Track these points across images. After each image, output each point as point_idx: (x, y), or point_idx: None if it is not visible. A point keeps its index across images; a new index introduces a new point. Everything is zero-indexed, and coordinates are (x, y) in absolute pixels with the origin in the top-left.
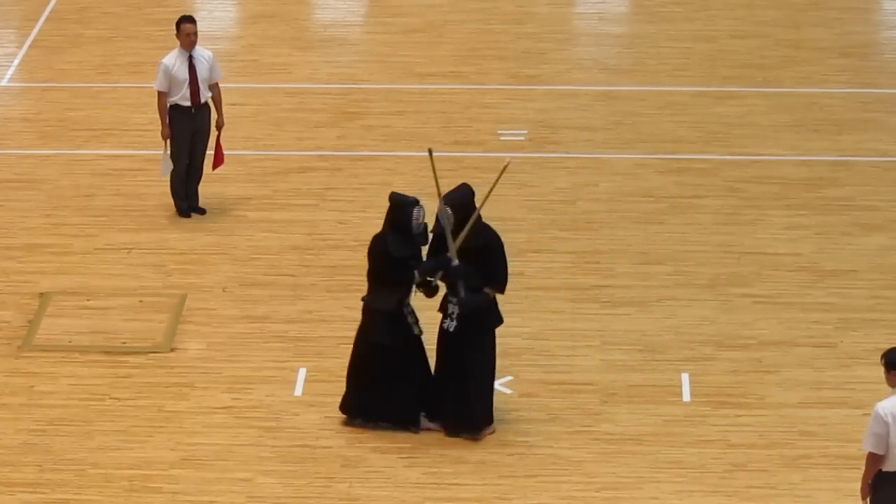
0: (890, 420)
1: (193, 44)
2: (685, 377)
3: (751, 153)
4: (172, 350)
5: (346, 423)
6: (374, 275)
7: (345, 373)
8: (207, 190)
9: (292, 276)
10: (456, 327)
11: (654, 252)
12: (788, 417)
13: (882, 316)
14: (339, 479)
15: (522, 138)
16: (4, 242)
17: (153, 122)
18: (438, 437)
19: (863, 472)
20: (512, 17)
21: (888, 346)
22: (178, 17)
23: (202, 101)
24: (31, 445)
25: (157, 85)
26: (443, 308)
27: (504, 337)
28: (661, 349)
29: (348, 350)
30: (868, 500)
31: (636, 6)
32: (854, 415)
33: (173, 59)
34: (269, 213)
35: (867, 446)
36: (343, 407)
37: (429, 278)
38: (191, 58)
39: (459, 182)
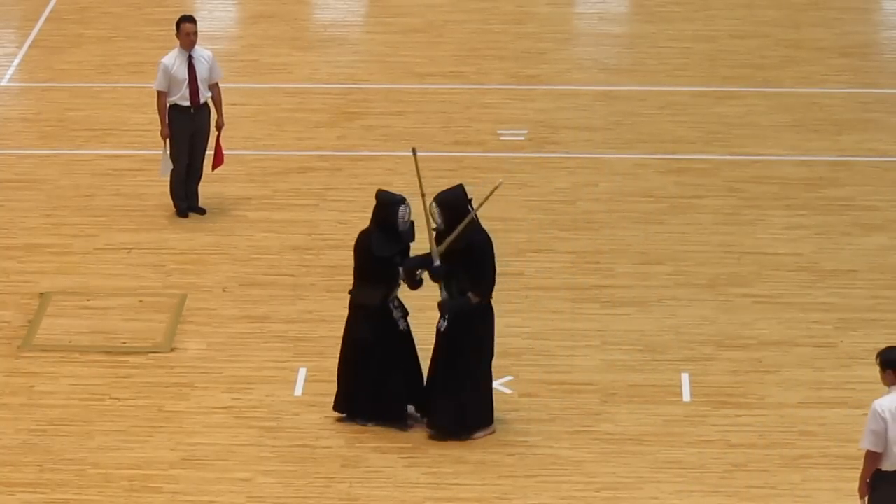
0: (888, 417)
1: (193, 43)
2: (685, 377)
3: (751, 153)
4: (172, 350)
5: (342, 420)
6: (358, 271)
7: None
8: (207, 190)
9: (292, 276)
10: (446, 328)
11: (654, 252)
12: (788, 417)
13: (882, 316)
14: (339, 479)
15: (522, 138)
16: (4, 242)
17: (153, 122)
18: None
19: (860, 471)
20: (512, 17)
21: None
22: (178, 17)
23: (201, 101)
24: (31, 445)
25: (156, 85)
26: (439, 307)
27: (504, 337)
28: (661, 349)
29: None
30: (866, 499)
31: (636, 6)
32: (854, 415)
33: (173, 59)
34: (269, 213)
35: (865, 444)
36: (335, 404)
37: (411, 275)
38: (190, 58)
39: (461, 181)
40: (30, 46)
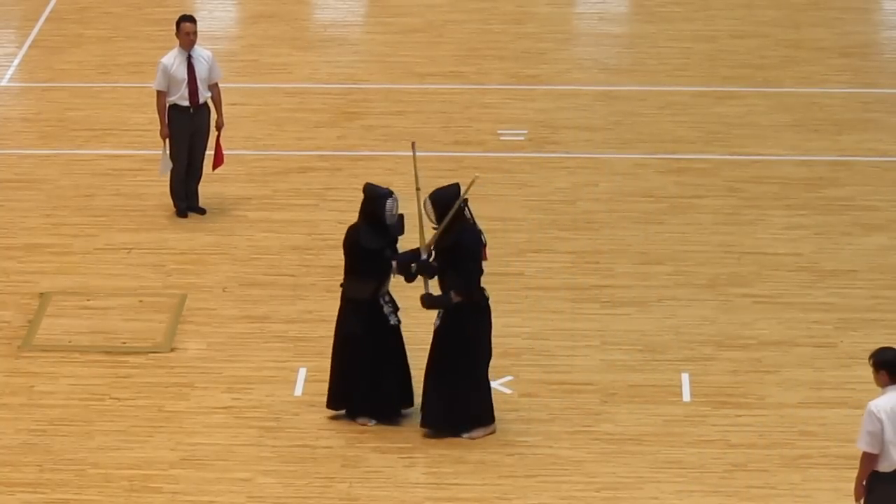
0: (884, 417)
1: (193, 43)
2: (685, 377)
3: (751, 153)
4: (172, 350)
5: (341, 419)
6: (348, 265)
7: None
8: (207, 190)
9: (292, 276)
10: (438, 326)
11: (654, 252)
12: (788, 417)
13: (882, 316)
14: (339, 479)
15: (522, 138)
16: (4, 242)
17: (153, 122)
18: (438, 436)
19: (857, 473)
20: (512, 17)
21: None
22: (178, 17)
23: (201, 101)
24: (31, 445)
25: (155, 84)
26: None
27: (504, 337)
28: (661, 349)
29: None
30: (862, 500)
31: (636, 6)
32: (854, 415)
33: (172, 59)
34: (269, 213)
35: (861, 445)
36: (328, 401)
37: (405, 268)
38: (190, 57)
39: (461, 181)
40: (30, 46)
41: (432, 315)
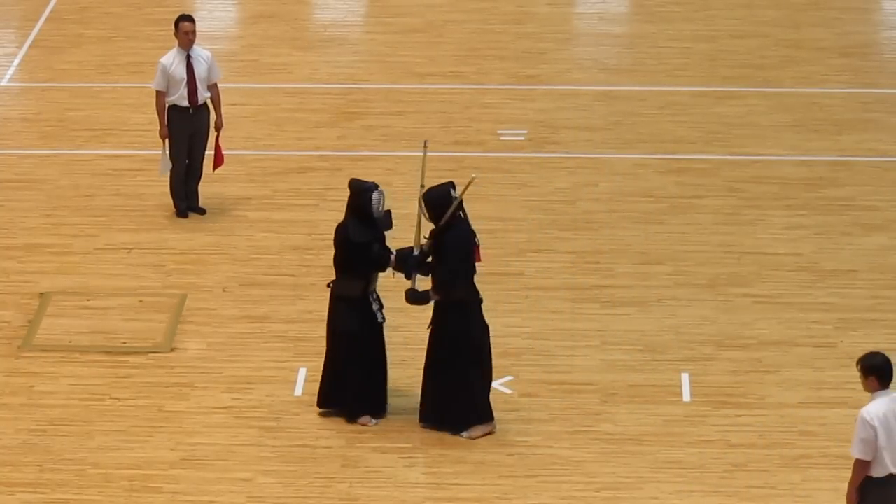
0: (877, 424)
1: (191, 42)
2: (685, 377)
3: (751, 153)
4: (172, 350)
5: (341, 419)
6: (338, 262)
7: None
8: (207, 190)
9: (292, 276)
10: (429, 324)
11: (654, 252)
12: (788, 417)
13: (882, 316)
14: (339, 479)
15: (522, 138)
16: (4, 242)
17: (153, 122)
18: (439, 436)
19: (850, 479)
20: (512, 17)
21: (888, 347)
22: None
23: (200, 101)
24: (31, 445)
25: (154, 84)
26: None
27: (504, 337)
28: (661, 349)
29: None
30: None
31: (636, 6)
32: (854, 415)
33: (171, 59)
34: (269, 213)
35: (855, 452)
36: (319, 399)
37: (404, 261)
38: (189, 57)
39: (461, 181)
40: (30, 46)
41: (421, 313)
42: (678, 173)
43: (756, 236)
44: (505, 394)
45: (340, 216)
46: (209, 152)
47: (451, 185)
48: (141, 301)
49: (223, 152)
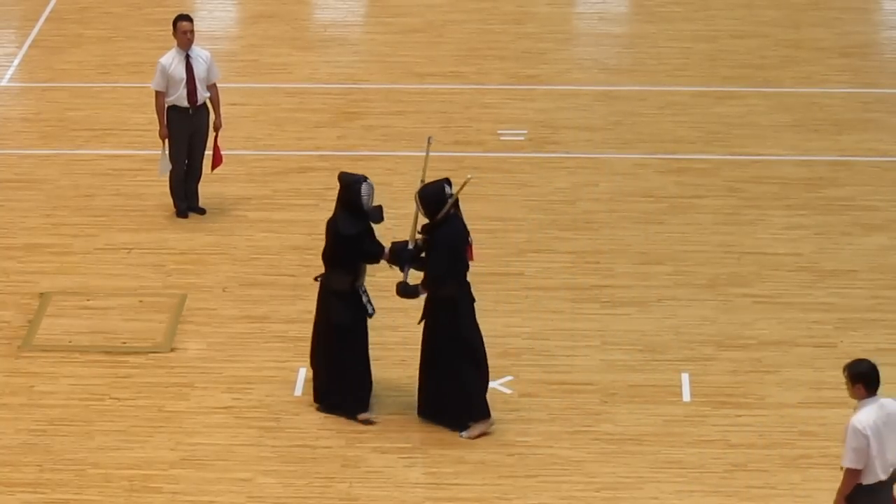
0: (869, 433)
1: (190, 42)
2: (685, 377)
3: (751, 153)
4: (172, 350)
5: (341, 419)
6: (328, 256)
7: None
8: (207, 190)
9: (292, 276)
10: (422, 320)
11: (654, 252)
12: (788, 417)
13: (882, 316)
14: (339, 479)
15: (522, 138)
16: (4, 242)
17: (153, 122)
18: (439, 436)
19: (839, 487)
20: (512, 17)
21: (888, 346)
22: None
23: (199, 101)
24: (31, 445)
25: (154, 84)
26: None
27: (504, 337)
28: (661, 349)
29: None
30: None
31: (636, 6)
32: None
33: (171, 59)
34: (269, 213)
35: (847, 462)
36: (316, 397)
37: (399, 254)
38: (188, 57)
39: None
40: (30, 46)
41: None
42: (678, 173)
43: (756, 236)
44: (505, 394)
45: None
46: (209, 152)
47: (447, 181)
48: (141, 301)
49: (222, 152)
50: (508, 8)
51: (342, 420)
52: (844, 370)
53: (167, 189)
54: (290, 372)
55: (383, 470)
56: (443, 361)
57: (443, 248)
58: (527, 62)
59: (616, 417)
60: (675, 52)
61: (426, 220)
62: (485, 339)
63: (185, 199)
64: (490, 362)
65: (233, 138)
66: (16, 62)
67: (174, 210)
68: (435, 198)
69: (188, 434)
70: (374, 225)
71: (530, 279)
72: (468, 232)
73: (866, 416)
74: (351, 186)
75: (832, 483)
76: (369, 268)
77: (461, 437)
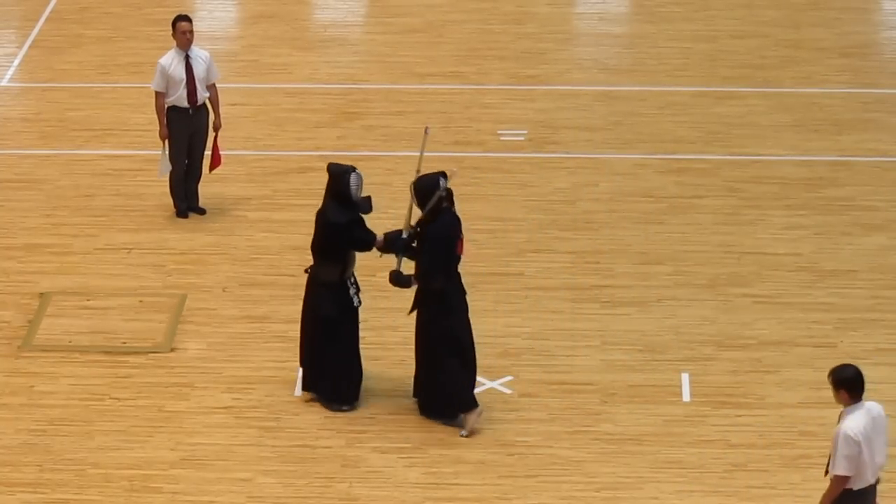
0: (861, 440)
1: (189, 42)
2: (685, 377)
3: (751, 153)
4: (172, 350)
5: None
6: (316, 247)
7: None
8: (207, 190)
9: (292, 276)
10: (412, 311)
11: (654, 252)
12: (788, 417)
13: (882, 316)
14: (339, 479)
15: (522, 138)
16: (4, 242)
17: (153, 122)
18: (438, 437)
19: (826, 493)
20: (512, 17)
21: (888, 346)
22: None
23: (199, 101)
24: (31, 445)
25: (154, 85)
26: None
27: (504, 337)
28: (661, 349)
29: None
30: None
31: (636, 6)
32: None
33: (170, 59)
34: (269, 213)
35: (841, 471)
36: (304, 384)
37: (392, 242)
38: (188, 57)
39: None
40: (30, 46)
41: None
42: (678, 173)
43: (756, 236)
44: (505, 394)
45: None
46: (208, 152)
47: (443, 174)
48: (141, 301)
49: (221, 153)
50: (508, 8)
51: (342, 420)
52: (829, 375)
53: (167, 189)
54: (290, 372)
55: (383, 470)
56: (430, 353)
57: (436, 243)
58: (527, 62)
59: (616, 417)
60: (675, 52)
61: (421, 212)
62: (485, 340)
63: (185, 200)
64: (490, 362)
65: (233, 138)
66: (16, 62)
67: (174, 210)
68: (430, 189)
69: (188, 434)
70: (364, 216)
71: (530, 279)
72: (461, 226)
73: (856, 422)
74: (340, 177)
75: None
76: (370, 269)
77: (461, 436)
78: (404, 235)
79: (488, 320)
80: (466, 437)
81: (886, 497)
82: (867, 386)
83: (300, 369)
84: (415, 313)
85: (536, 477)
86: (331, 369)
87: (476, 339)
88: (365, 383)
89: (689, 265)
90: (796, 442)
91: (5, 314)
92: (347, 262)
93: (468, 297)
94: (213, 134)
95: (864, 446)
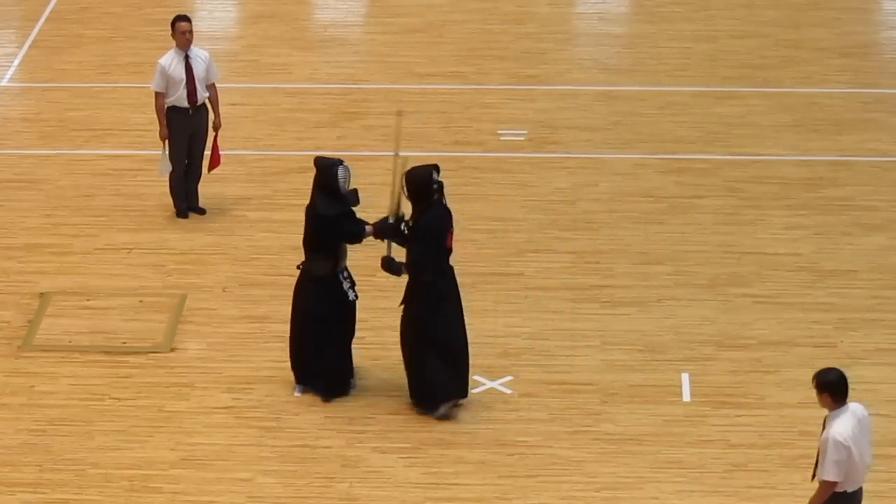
0: (851, 444)
1: (189, 42)
2: (685, 377)
3: (751, 153)
4: (172, 350)
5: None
6: (309, 241)
7: None
8: (207, 190)
9: (292, 276)
10: (402, 303)
11: (654, 252)
12: (788, 417)
13: (882, 316)
14: (339, 479)
15: (522, 138)
16: (4, 242)
17: (153, 122)
18: (438, 436)
19: (814, 498)
20: (512, 17)
21: (888, 346)
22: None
23: (199, 101)
24: (31, 445)
25: (153, 85)
26: None
27: (504, 337)
28: (661, 349)
29: None
30: None
31: (636, 6)
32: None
33: (170, 59)
34: (269, 213)
35: (831, 476)
36: (296, 376)
37: (384, 230)
38: (187, 57)
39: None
40: (30, 46)
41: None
42: (678, 173)
43: (756, 236)
44: (505, 394)
45: None
46: (208, 152)
47: (435, 168)
48: (141, 301)
49: (220, 152)
50: (508, 8)
51: (342, 420)
52: (813, 379)
53: (167, 189)
54: (290, 372)
55: (383, 470)
56: (415, 344)
57: (426, 236)
58: (527, 62)
59: (616, 417)
60: (675, 52)
61: (408, 201)
62: (485, 340)
63: (185, 199)
64: (490, 362)
65: (233, 138)
66: (16, 62)
67: (174, 210)
68: (421, 181)
69: (188, 434)
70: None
71: (530, 279)
72: (452, 219)
73: (844, 427)
74: (328, 170)
75: None
76: (371, 269)
77: (434, 416)
78: (390, 220)
79: (488, 320)
80: (438, 419)
81: (887, 497)
82: (868, 386)
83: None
84: (399, 304)
85: (536, 477)
86: (324, 365)
87: (476, 339)
88: (365, 383)
89: (689, 265)
90: (796, 442)
91: (5, 314)
92: (339, 256)
93: (468, 297)
94: (213, 134)
95: (854, 450)
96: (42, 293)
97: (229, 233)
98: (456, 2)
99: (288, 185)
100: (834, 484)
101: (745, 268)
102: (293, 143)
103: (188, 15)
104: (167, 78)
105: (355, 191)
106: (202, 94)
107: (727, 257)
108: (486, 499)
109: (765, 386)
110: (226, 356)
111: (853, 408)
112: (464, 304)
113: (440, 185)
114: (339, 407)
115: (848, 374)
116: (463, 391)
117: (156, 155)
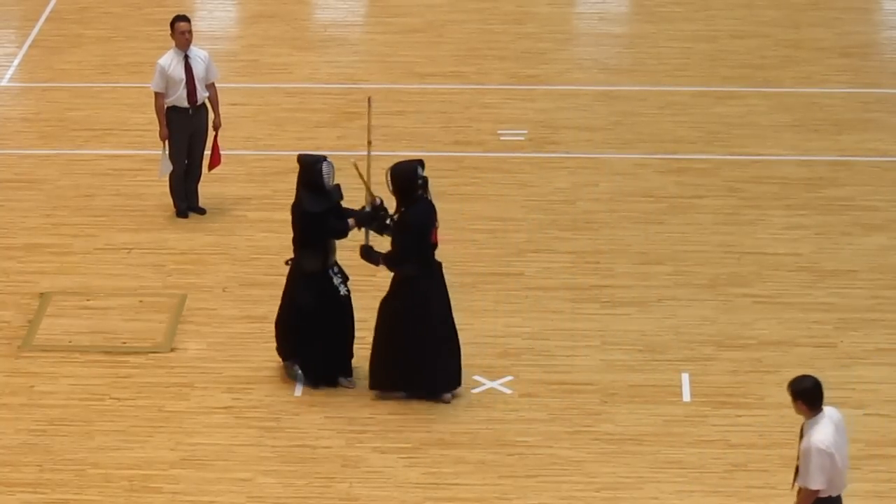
0: (833, 451)
1: (188, 42)
2: (685, 377)
3: (751, 153)
4: (172, 350)
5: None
6: (297, 238)
7: None
8: (207, 190)
9: None
10: (385, 298)
11: (654, 252)
12: (788, 417)
13: (882, 316)
14: (339, 479)
15: (522, 138)
16: (4, 242)
17: (153, 122)
18: (438, 436)
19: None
20: (512, 17)
21: (888, 347)
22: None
23: (199, 101)
24: (31, 445)
25: (153, 85)
26: None
27: (504, 337)
28: (661, 349)
29: None
30: None
31: (636, 6)
32: (854, 415)
33: (169, 60)
34: (269, 213)
35: (816, 484)
36: (279, 351)
37: (367, 220)
38: (187, 57)
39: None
40: (30, 46)
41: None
42: (678, 173)
43: (756, 236)
44: (505, 394)
45: None
46: (208, 152)
47: (420, 163)
48: (141, 301)
49: (221, 152)
50: (508, 8)
51: (342, 420)
52: (788, 387)
53: (167, 189)
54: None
55: (383, 470)
56: (384, 330)
57: (410, 230)
58: (527, 62)
59: (616, 417)
60: (675, 52)
61: (385, 190)
62: (485, 340)
63: (185, 199)
64: (490, 362)
65: (233, 138)
66: (16, 62)
67: (174, 210)
68: (406, 175)
69: (188, 434)
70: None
71: (530, 279)
72: (436, 215)
73: (824, 434)
74: (312, 167)
75: None
76: (371, 268)
77: (375, 395)
78: (367, 209)
79: (488, 320)
80: (375, 396)
81: (887, 497)
82: (868, 386)
83: (286, 363)
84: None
85: (536, 477)
86: (313, 358)
87: (476, 339)
88: (365, 383)
89: (689, 265)
90: (796, 442)
91: (5, 314)
92: (328, 251)
93: (469, 297)
94: (213, 133)
95: (837, 456)
96: (42, 293)
97: (229, 233)
98: (456, 2)
99: (288, 185)
100: (818, 492)
101: (746, 268)
102: (293, 143)
103: (188, 15)
104: (167, 78)
105: (338, 186)
106: (202, 94)
107: (727, 257)
108: (486, 499)
109: (765, 386)
110: (226, 356)
111: (829, 413)
112: (464, 304)
113: (425, 180)
114: (339, 407)
115: (848, 374)
116: (456, 381)
117: (156, 155)
